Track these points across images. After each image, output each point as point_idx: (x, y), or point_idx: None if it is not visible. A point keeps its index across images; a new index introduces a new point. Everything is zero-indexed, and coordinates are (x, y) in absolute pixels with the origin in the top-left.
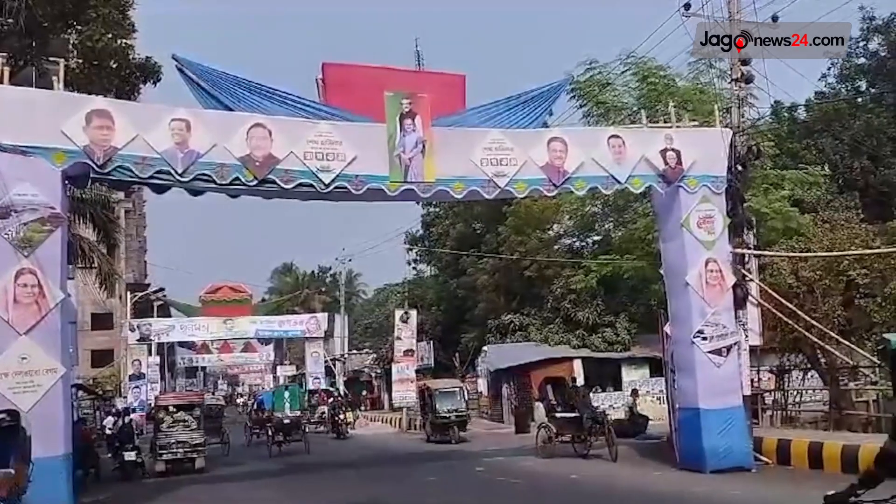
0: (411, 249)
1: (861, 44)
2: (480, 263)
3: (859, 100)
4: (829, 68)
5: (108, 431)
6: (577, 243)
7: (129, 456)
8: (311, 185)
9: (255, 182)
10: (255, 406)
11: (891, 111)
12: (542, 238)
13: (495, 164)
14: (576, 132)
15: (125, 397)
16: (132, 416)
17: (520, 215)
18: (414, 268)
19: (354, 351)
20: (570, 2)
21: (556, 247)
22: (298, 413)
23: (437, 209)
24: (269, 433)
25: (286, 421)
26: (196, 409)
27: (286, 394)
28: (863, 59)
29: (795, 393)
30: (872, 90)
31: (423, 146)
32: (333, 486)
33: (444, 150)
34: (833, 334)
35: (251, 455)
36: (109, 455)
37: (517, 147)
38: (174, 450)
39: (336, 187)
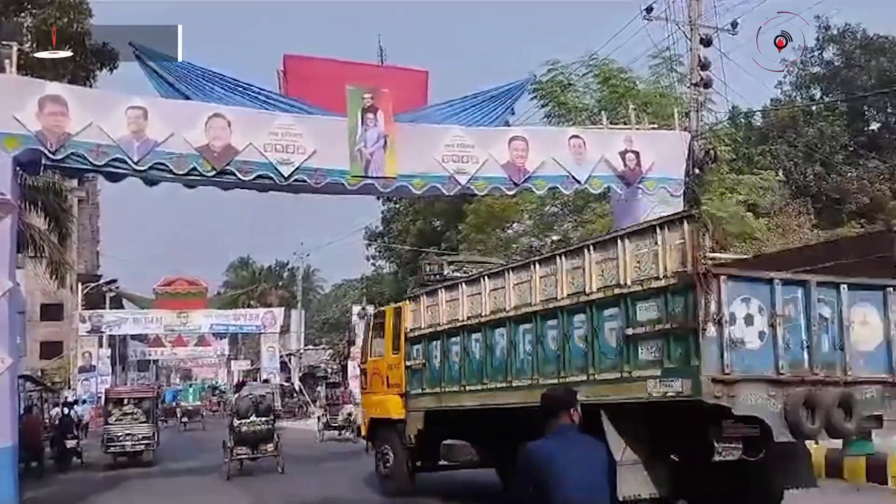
0: (370, 245)
1: (816, 53)
2: (440, 261)
3: (813, 108)
4: (784, 76)
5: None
6: (537, 242)
7: (70, 444)
8: (271, 178)
9: (212, 173)
10: (161, 400)
11: (844, 119)
12: (501, 237)
13: (456, 161)
14: (537, 131)
15: (74, 389)
16: (75, 407)
17: (480, 213)
18: (373, 264)
19: (311, 347)
20: (534, 2)
21: (515, 245)
22: (198, 403)
23: (398, 205)
24: (178, 417)
25: (189, 408)
26: (146, 403)
27: (190, 390)
28: (818, 68)
29: None
30: (826, 98)
31: (385, 141)
32: (279, 483)
33: (406, 146)
34: None
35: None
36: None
37: (478, 145)
38: (122, 442)
39: (295, 180)
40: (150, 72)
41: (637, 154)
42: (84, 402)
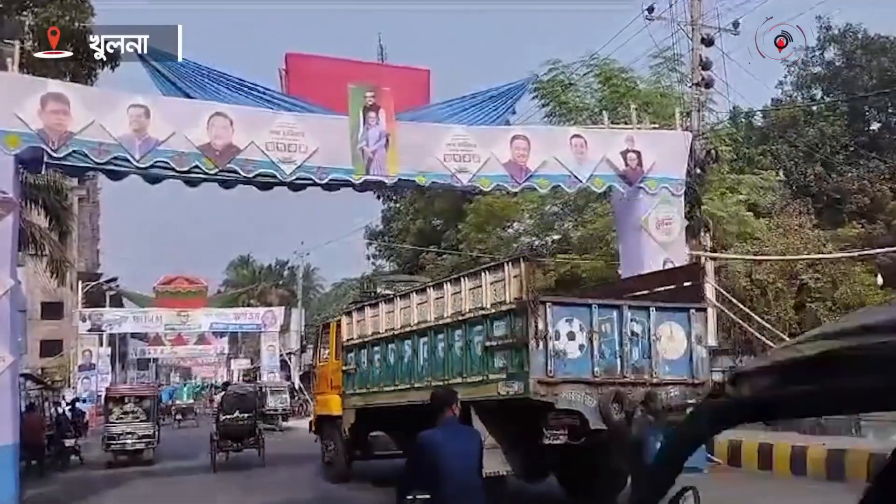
0: (371, 244)
1: (817, 53)
2: (440, 260)
3: (814, 108)
4: (785, 76)
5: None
6: (537, 242)
7: (68, 442)
8: (273, 176)
9: (214, 171)
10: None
11: (844, 120)
12: (501, 236)
13: (458, 160)
14: (539, 130)
15: (74, 388)
16: (70, 406)
17: (480, 213)
18: (373, 263)
19: (311, 345)
20: (536, 2)
21: (515, 245)
22: (192, 402)
23: (398, 204)
24: (173, 415)
25: (184, 407)
26: (146, 402)
27: (185, 389)
28: (819, 68)
29: None
30: (827, 98)
31: (387, 140)
32: (261, 476)
33: (408, 145)
34: (784, 337)
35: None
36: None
37: (480, 144)
38: (123, 441)
39: (298, 178)
40: (152, 70)
41: (638, 154)
42: (84, 400)
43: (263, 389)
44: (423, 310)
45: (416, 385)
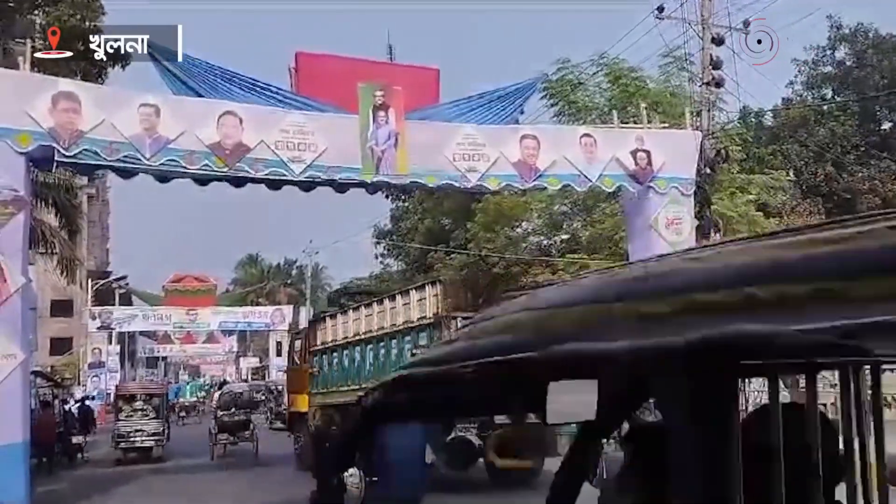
0: (379, 243)
1: (828, 52)
2: (448, 259)
3: (825, 107)
4: (796, 76)
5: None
6: (545, 241)
7: (77, 439)
8: (283, 175)
9: (224, 170)
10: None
11: (855, 119)
12: (510, 236)
13: (468, 159)
14: (548, 130)
15: (84, 386)
16: (79, 403)
17: (489, 212)
18: (381, 262)
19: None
20: (545, 2)
21: (524, 244)
22: (195, 399)
23: (407, 203)
24: (177, 412)
25: (187, 405)
26: (155, 399)
27: (188, 387)
28: (829, 68)
29: (754, 395)
30: (838, 98)
31: (396, 139)
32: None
33: (417, 144)
34: None
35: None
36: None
37: (490, 143)
38: (132, 438)
39: (307, 177)
40: (162, 69)
41: (648, 153)
42: (93, 398)
43: (280, 388)
44: (369, 321)
45: (363, 385)
